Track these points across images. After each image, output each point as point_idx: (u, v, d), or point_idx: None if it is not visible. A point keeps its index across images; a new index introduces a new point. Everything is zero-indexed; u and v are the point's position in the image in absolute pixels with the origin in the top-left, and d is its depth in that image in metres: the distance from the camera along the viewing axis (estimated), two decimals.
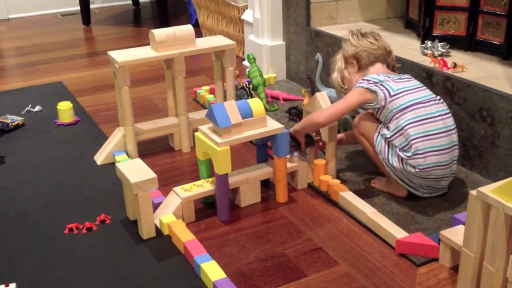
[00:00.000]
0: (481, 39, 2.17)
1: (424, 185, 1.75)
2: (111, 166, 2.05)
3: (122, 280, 1.49)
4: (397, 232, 1.59)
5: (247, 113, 1.72)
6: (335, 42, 2.49)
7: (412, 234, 1.58)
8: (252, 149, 2.15)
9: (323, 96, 1.82)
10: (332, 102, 1.88)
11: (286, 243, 1.63)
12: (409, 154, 1.68)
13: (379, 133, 1.75)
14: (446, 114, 1.73)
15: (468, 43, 2.21)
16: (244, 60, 3.14)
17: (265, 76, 2.77)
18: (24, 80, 3.12)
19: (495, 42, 2.12)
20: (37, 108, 2.64)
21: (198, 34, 3.46)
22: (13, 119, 2.46)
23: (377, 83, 1.75)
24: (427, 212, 1.72)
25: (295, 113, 2.16)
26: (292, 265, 1.53)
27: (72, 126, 2.47)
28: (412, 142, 1.67)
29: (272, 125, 1.77)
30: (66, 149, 2.25)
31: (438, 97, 1.77)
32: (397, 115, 1.70)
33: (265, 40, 2.89)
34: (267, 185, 1.90)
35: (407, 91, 1.73)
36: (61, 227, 1.72)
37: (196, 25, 3.75)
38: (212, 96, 2.61)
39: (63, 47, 3.76)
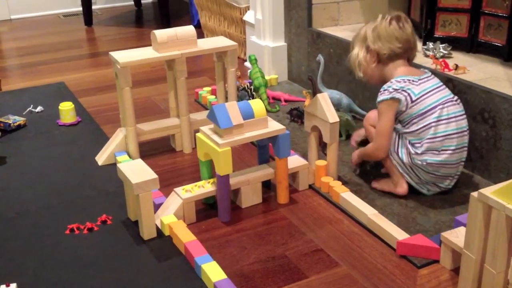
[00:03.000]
0: (482, 41, 2.17)
1: (429, 182, 1.76)
2: (112, 166, 2.05)
3: (123, 280, 1.49)
4: (398, 234, 1.59)
5: (248, 114, 1.72)
6: (337, 44, 2.49)
7: (413, 235, 1.58)
8: (253, 150, 2.15)
9: (324, 97, 1.82)
10: (333, 103, 1.88)
11: (287, 244, 1.63)
12: (418, 152, 1.71)
13: None
14: (461, 115, 1.75)
15: (470, 44, 2.21)
16: (245, 61, 3.14)
17: (266, 77, 2.77)
18: (26, 81, 3.12)
19: (496, 44, 2.12)
20: (39, 108, 2.65)
21: (200, 35, 3.47)
22: (15, 119, 2.46)
23: (397, 90, 1.74)
24: (428, 214, 1.72)
25: (297, 114, 2.16)
26: (293, 266, 1.53)
27: (74, 126, 2.47)
28: (425, 142, 1.71)
29: (274, 126, 1.77)
30: (68, 150, 2.25)
31: (456, 98, 1.78)
32: (415, 120, 1.73)
33: (267, 41, 2.89)
34: (268, 186, 1.90)
35: (427, 93, 1.74)
36: (62, 227, 1.72)
37: (197, 26, 3.75)
38: (213, 97, 2.61)
39: (65, 48, 3.77)
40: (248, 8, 3.09)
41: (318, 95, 1.83)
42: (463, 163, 1.77)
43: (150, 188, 1.61)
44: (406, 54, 1.83)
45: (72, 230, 1.71)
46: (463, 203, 1.75)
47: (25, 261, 1.58)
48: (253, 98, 2.48)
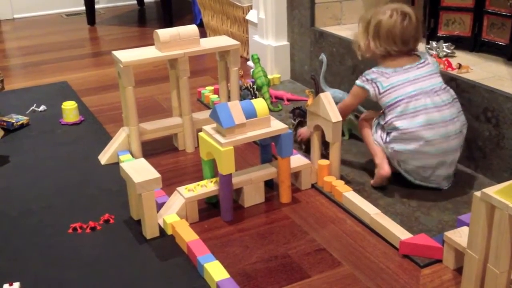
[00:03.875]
0: (486, 40, 2.16)
1: (411, 172, 1.79)
2: (115, 166, 2.05)
3: (126, 279, 1.49)
4: (401, 233, 1.58)
5: (251, 114, 1.72)
6: (340, 43, 2.48)
7: (416, 235, 1.58)
8: (256, 149, 2.15)
9: (327, 96, 1.82)
10: (336, 102, 1.88)
11: (290, 243, 1.63)
12: (388, 140, 1.80)
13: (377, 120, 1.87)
14: (445, 105, 1.75)
15: (473, 43, 2.20)
16: (248, 60, 3.14)
17: (269, 76, 2.77)
18: (29, 80, 3.13)
19: (500, 43, 2.11)
20: (42, 107, 2.65)
21: (203, 34, 3.46)
22: (17, 118, 2.46)
23: (369, 80, 1.83)
24: (431, 213, 1.72)
25: (299, 114, 2.15)
26: (295, 266, 1.53)
27: (77, 125, 2.48)
28: (394, 132, 1.77)
29: (276, 126, 1.76)
30: (71, 149, 2.26)
31: (444, 86, 1.78)
32: (386, 110, 1.80)
33: (270, 41, 2.89)
34: (270, 185, 1.90)
35: (397, 86, 1.77)
36: (65, 226, 1.72)
37: (200, 25, 3.75)
38: (216, 96, 2.61)
39: (68, 47, 3.77)
40: (250, 7, 3.09)
41: (321, 94, 1.82)
42: (454, 156, 1.78)
43: (152, 187, 1.61)
44: (402, 52, 1.83)
45: (75, 229, 1.71)
46: (466, 203, 1.75)
47: (28, 260, 1.58)
48: (255, 97, 2.48)
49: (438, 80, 1.80)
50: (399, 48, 1.81)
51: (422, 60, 1.82)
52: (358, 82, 1.86)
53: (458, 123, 1.77)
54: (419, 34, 1.85)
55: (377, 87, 1.80)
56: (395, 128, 1.76)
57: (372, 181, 1.88)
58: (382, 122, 1.83)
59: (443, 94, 1.77)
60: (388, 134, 1.80)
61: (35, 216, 1.79)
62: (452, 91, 1.81)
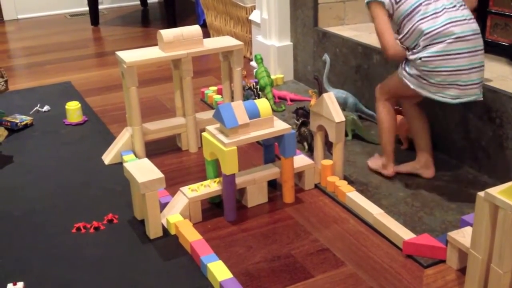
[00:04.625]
0: (489, 40, 2.16)
1: (448, 83, 1.67)
2: (118, 166, 2.05)
3: (129, 279, 1.49)
4: (404, 233, 1.58)
5: (254, 114, 1.73)
6: (343, 43, 2.48)
7: (419, 235, 1.58)
8: (259, 149, 2.15)
9: (330, 97, 1.82)
10: (339, 103, 1.88)
11: (293, 243, 1.63)
12: (414, 56, 1.68)
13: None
14: (460, 6, 1.70)
15: None
16: (251, 60, 3.14)
17: (272, 76, 2.77)
18: (33, 80, 3.13)
19: (503, 43, 2.11)
20: (46, 108, 2.66)
21: (206, 34, 3.47)
22: (21, 118, 2.47)
23: None
24: (435, 213, 1.71)
25: (302, 114, 2.16)
26: (298, 266, 1.53)
27: (80, 126, 2.48)
28: (420, 40, 1.67)
29: (279, 126, 1.77)
30: (74, 149, 2.26)
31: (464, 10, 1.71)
32: (404, 21, 1.72)
33: (273, 41, 2.89)
34: (274, 185, 1.90)
35: (425, 2, 1.70)
36: (68, 226, 1.73)
37: (203, 26, 3.76)
38: (219, 96, 2.61)
39: (72, 48, 3.78)
40: (254, 7, 3.09)
41: (324, 94, 1.82)
42: (481, 53, 1.69)
43: (156, 187, 1.61)
44: None
45: (78, 229, 1.71)
46: (469, 203, 1.75)
47: (32, 259, 1.59)
48: (259, 97, 2.48)
49: (467, 12, 1.72)
50: None
51: None
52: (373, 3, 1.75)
53: (475, 24, 1.71)
54: None
55: (400, 6, 1.72)
56: (420, 33, 1.67)
57: (370, 163, 1.94)
58: (401, 36, 1.73)
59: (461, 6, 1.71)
60: (411, 51, 1.71)
61: (38, 216, 1.80)
62: None
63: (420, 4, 1.70)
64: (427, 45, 1.67)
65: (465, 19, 1.68)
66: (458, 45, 1.65)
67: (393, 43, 1.74)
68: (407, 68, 1.73)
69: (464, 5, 1.73)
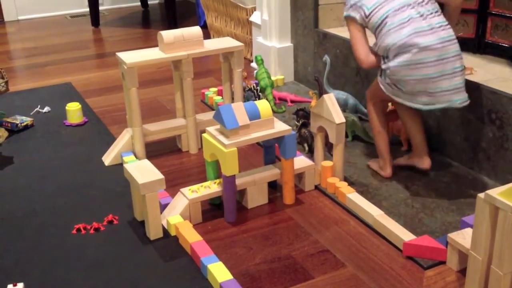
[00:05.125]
0: (490, 42, 2.16)
1: (417, 91, 1.70)
2: (119, 167, 2.05)
3: (129, 280, 1.49)
4: (405, 235, 1.58)
5: (254, 115, 1.73)
6: (343, 44, 2.49)
7: (419, 236, 1.58)
8: (259, 150, 2.15)
9: (330, 98, 1.82)
10: (339, 104, 1.88)
11: (293, 245, 1.63)
12: (385, 64, 1.74)
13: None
14: (429, 14, 1.72)
15: (477, 45, 2.20)
16: (252, 62, 3.14)
17: (272, 78, 2.77)
18: (33, 81, 3.13)
19: (504, 45, 2.11)
20: (46, 109, 2.66)
21: (206, 35, 3.47)
22: (22, 119, 2.47)
23: (353, 5, 1.80)
24: (435, 215, 1.71)
25: (303, 115, 2.16)
26: (298, 267, 1.53)
27: (81, 127, 2.48)
28: (389, 50, 1.72)
29: (279, 127, 1.77)
30: (75, 150, 2.26)
31: (428, 13, 1.73)
32: (376, 32, 1.77)
33: (273, 42, 2.89)
34: (274, 186, 1.90)
35: (382, 4, 1.75)
36: (69, 227, 1.73)
37: (204, 27, 3.76)
38: (219, 97, 2.61)
39: (72, 49, 3.78)
40: (254, 9, 3.09)
41: (324, 95, 1.82)
42: (454, 60, 1.70)
43: (156, 188, 1.61)
44: None
45: (78, 230, 1.71)
46: (469, 204, 1.75)
47: (32, 260, 1.59)
48: (259, 98, 2.48)
49: (435, 5, 1.75)
50: None
51: None
52: (344, 13, 1.83)
53: (450, 30, 1.73)
54: None
55: (363, 10, 1.77)
56: (386, 46, 1.72)
57: (370, 163, 1.98)
58: (377, 46, 1.77)
59: (428, 5, 1.74)
60: (383, 60, 1.76)
61: (39, 217, 1.80)
62: (437, 4, 1.76)
63: (387, 16, 1.73)
64: (396, 55, 1.71)
65: (432, 28, 1.70)
66: (424, 54, 1.68)
67: (365, 56, 1.81)
68: (381, 76, 1.78)
69: (437, 11, 1.74)
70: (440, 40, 1.69)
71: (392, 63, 1.71)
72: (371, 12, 1.76)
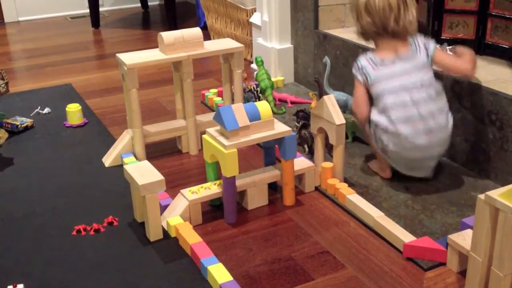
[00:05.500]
0: (490, 43, 2.16)
1: (401, 160, 1.81)
2: (119, 168, 2.05)
3: (129, 281, 1.49)
4: (405, 236, 1.58)
5: (254, 116, 1.73)
6: (343, 45, 2.49)
7: (419, 238, 1.58)
8: (259, 152, 2.15)
9: (330, 99, 1.82)
10: (339, 105, 1.88)
11: (293, 246, 1.63)
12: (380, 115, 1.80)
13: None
14: (423, 102, 1.75)
15: (477, 46, 2.20)
16: (252, 63, 3.14)
17: (273, 79, 2.77)
18: (33, 82, 3.14)
19: (504, 46, 2.11)
20: (46, 110, 2.66)
21: (207, 37, 3.48)
22: (22, 121, 2.47)
23: (360, 68, 1.84)
24: (435, 216, 1.71)
25: (303, 116, 2.16)
26: (299, 268, 1.53)
27: (81, 128, 2.48)
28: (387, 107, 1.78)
29: (280, 128, 1.77)
30: (75, 151, 2.26)
31: (422, 83, 1.76)
32: (374, 98, 1.83)
33: (273, 43, 2.89)
34: (274, 188, 1.90)
35: (382, 80, 1.79)
36: (68, 228, 1.73)
37: (204, 28, 3.76)
38: (220, 98, 2.61)
39: (72, 50, 3.78)
40: (254, 10, 3.09)
41: (325, 97, 1.83)
42: (440, 148, 1.79)
43: (156, 189, 1.61)
44: (387, 31, 1.80)
45: (78, 231, 1.71)
46: (470, 206, 1.74)
47: (32, 262, 1.59)
48: (259, 100, 2.48)
49: (424, 74, 1.78)
50: (379, 25, 1.79)
51: (412, 49, 1.81)
52: (353, 69, 1.88)
53: (441, 117, 1.77)
54: (391, 12, 1.77)
55: (366, 78, 1.82)
56: (376, 124, 1.80)
57: (370, 163, 1.99)
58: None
59: (425, 89, 1.76)
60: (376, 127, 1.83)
61: (39, 218, 1.80)
62: (438, 85, 1.81)
63: (384, 94, 1.78)
64: (384, 133, 1.80)
65: (421, 117, 1.74)
66: (405, 142, 1.76)
67: (363, 115, 1.86)
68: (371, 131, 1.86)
69: (432, 97, 1.76)
70: (427, 129, 1.75)
71: (382, 140, 1.81)
72: (373, 83, 1.81)
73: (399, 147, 1.77)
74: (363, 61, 1.85)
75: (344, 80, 2.51)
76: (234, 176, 1.70)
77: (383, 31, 1.80)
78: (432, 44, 1.84)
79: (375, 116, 1.80)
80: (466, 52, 1.87)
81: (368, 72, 1.82)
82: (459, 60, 1.85)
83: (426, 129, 1.75)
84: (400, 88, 1.77)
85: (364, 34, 1.87)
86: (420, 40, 1.84)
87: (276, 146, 1.87)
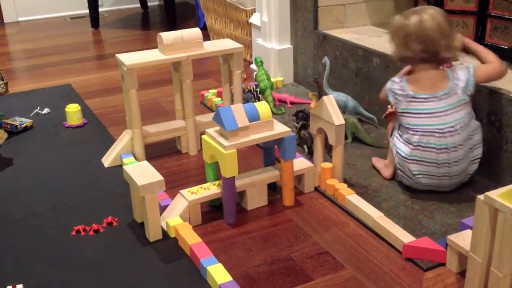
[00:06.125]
0: (489, 43, 2.16)
1: (421, 182, 1.80)
2: (118, 168, 2.05)
3: (128, 282, 1.49)
4: (404, 237, 1.58)
5: (254, 117, 1.73)
6: (343, 46, 2.49)
7: (419, 238, 1.58)
8: (259, 152, 2.15)
9: (330, 99, 1.82)
10: (339, 105, 1.88)
11: (293, 246, 1.63)
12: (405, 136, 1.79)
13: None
14: (452, 147, 1.74)
15: None
16: (251, 63, 3.14)
17: (272, 79, 2.77)
18: (33, 83, 3.14)
19: (503, 47, 2.11)
20: (46, 110, 2.66)
21: (206, 37, 3.48)
22: (21, 121, 2.47)
23: (393, 91, 1.81)
24: (434, 217, 1.71)
25: (302, 117, 2.16)
26: (298, 269, 1.53)
27: (80, 128, 2.48)
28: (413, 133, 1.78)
29: (279, 129, 1.77)
30: (74, 151, 2.26)
31: (458, 124, 1.73)
32: (400, 124, 1.82)
33: (273, 44, 2.89)
34: (273, 188, 1.90)
35: (412, 114, 1.77)
36: (68, 229, 1.72)
37: (204, 29, 3.76)
38: (219, 99, 2.61)
39: (72, 50, 3.78)
40: (254, 10, 3.09)
41: (324, 97, 1.83)
42: (456, 168, 1.77)
43: (156, 190, 1.61)
44: (424, 59, 1.75)
45: (78, 231, 1.71)
46: (469, 206, 1.74)
47: (31, 262, 1.59)
48: (259, 100, 2.48)
49: (459, 116, 1.73)
50: (416, 51, 1.73)
51: (449, 87, 1.74)
52: (387, 85, 1.84)
53: (464, 163, 1.77)
54: (443, 39, 1.72)
55: (397, 103, 1.80)
56: (397, 151, 1.80)
57: (374, 159, 2.00)
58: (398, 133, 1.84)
59: (458, 134, 1.73)
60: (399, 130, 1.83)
61: (38, 219, 1.80)
62: (473, 124, 1.76)
63: (411, 129, 1.76)
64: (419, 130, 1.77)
65: (446, 147, 1.73)
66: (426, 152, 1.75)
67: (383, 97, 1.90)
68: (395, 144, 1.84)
69: (454, 127, 1.72)
70: (447, 175, 1.76)
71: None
72: (402, 112, 1.79)
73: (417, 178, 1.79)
74: (397, 85, 1.80)
75: (343, 81, 2.51)
76: (234, 177, 1.70)
77: (432, 58, 1.74)
78: (471, 69, 1.77)
79: (399, 143, 1.80)
80: (479, 50, 1.82)
81: (400, 100, 1.79)
82: (490, 64, 1.79)
83: (446, 174, 1.77)
84: (431, 129, 1.73)
85: (406, 59, 1.80)
86: (458, 73, 1.77)
87: (276, 146, 1.87)
